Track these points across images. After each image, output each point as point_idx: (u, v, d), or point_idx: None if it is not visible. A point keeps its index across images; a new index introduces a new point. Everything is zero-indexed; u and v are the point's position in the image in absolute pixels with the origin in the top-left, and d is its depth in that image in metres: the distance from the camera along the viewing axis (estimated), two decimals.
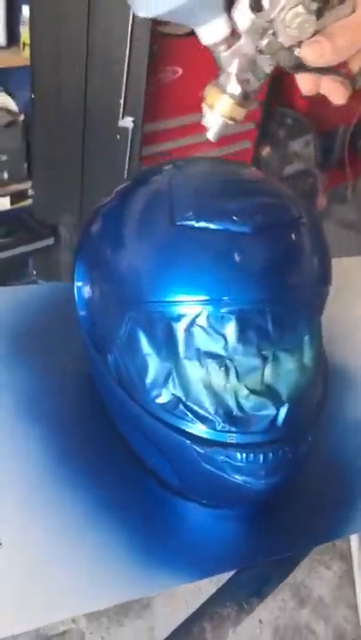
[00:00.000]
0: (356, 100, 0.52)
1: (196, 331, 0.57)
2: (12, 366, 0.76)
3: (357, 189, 2.88)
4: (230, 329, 0.57)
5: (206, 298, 0.56)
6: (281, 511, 0.66)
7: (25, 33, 1.78)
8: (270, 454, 0.59)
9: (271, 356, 0.59)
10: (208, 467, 0.59)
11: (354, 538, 1.26)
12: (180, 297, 0.56)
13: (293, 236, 0.59)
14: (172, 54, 1.92)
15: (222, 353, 0.58)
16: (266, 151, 2.46)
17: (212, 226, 0.56)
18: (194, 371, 0.59)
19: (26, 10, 1.74)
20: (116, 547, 0.60)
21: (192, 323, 0.57)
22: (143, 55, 1.68)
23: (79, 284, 0.68)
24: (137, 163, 1.84)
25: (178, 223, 0.57)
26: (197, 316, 0.57)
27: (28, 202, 2.02)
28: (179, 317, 0.57)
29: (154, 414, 0.60)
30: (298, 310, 0.60)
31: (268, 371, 0.59)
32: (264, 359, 0.58)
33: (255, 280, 0.56)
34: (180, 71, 1.98)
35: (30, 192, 1.99)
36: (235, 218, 0.56)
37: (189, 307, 0.57)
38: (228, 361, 0.58)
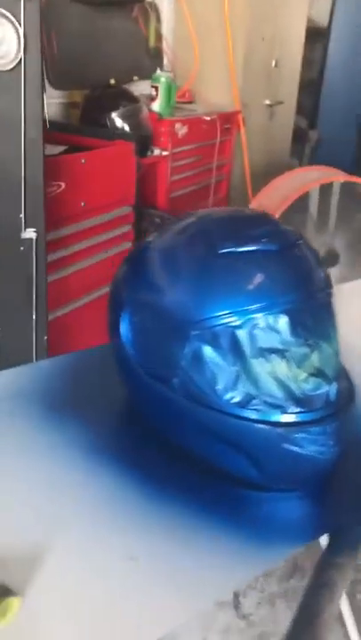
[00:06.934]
0: None
1: (257, 332, 0.69)
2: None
3: None
4: (283, 325, 0.69)
5: (261, 304, 0.69)
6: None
7: None
8: (333, 425, 0.71)
9: (315, 344, 0.72)
10: (288, 446, 0.69)
11: None
12: (239, 308, 0.69)
13: (305, 251, 0.75)
14: (55, 171, 2.11)
15: (280, 347, 0.70)
16: None
17: (249, 248, 0.70)
18: (260, 367, 0.70)
19: None
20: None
21: (254, 326, 0.69)
22: (38, 174, 1.83)
23: (125, 329, 0.77)
24: (43, 269, 1.95)
25: (220, 252, 0.70)
26: (256, 320, 0.69)
27: None
28: (241, 325, 0.69)
29: (231, 414, 0.70)
30: (325, 306, 0.74)
31: (315, 356, 0.72)
32: (311, 347, 0.71)
33: (294, 284, 0.70)
34: (63, 185, 2.17)
35: None
36: (263, 240, 0.71)
37: (249, 315, 0.69)
38: (286, 353, 0.70)
